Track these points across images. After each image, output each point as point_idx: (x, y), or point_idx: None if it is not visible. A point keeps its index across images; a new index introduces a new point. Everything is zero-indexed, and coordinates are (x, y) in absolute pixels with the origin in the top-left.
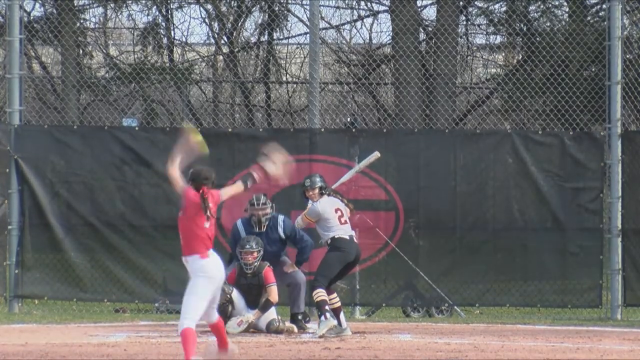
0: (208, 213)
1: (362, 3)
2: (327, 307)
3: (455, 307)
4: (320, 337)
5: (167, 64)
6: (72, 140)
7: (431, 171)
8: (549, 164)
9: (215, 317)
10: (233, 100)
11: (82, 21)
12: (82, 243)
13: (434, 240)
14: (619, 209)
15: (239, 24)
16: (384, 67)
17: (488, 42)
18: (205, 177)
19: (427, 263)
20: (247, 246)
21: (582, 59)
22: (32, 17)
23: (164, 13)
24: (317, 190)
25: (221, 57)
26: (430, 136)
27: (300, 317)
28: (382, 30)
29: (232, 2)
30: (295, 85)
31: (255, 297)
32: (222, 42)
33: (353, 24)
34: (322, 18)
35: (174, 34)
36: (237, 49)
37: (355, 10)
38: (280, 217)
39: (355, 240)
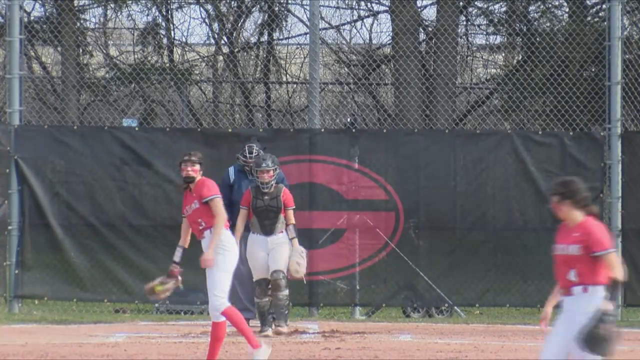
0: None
1: (362, 3)
2: None
3: (455, 307)
4: None
5: (167, 65)
6: (72, 141)
7: (431, 171)
8: (549, 164)
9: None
10: (233, 101)
11: (82, 21)
12: (82, 243)
13: (434, 240)
14: (619, 209)
15: (239, 24)
16: (384, 67)
17: (488, 43)
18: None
19: (427, 263)
20: (263, 164)
21: (582, 59)
22: (32, 18)
23: (164, 13)
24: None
25: (221, 58)
26: (430, 136)
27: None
28: (382, 30)
29: (232, 2)
30: (295, 86)
31: (272, 220)
32: (222, 42)
33: (353, 24)
34: (322, 18)
35: (174, 34)
36: (237, 49)
37: (355, 11)
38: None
39: None
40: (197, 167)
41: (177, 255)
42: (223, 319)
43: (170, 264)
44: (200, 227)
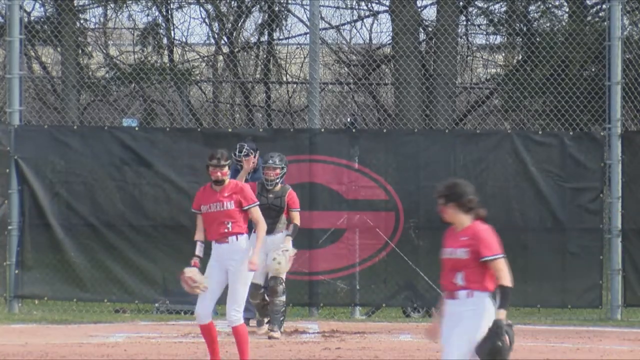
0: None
1: (362, 3)
2: None
3: None
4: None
5: (167, 64)
6: (72, 141)
7: (431, 171)
8: (549, 164)
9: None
10: (233, 101)
11: (82, 21)
12: (82, 243)
13: (434, 240)
14: (619, 209)
15: (239, 24)
16: (384, 67)
17: (488, 42)
18: (208, 158)
19: (427, 263)
20: (270, 161)
21: (582, 59)
22: (32, 18)
23: (164, 13)
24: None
25: (221, 58)
26: (430, 136)
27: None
28: (382, 30)
29: (232, 2)
30: (295, 86)
31: (273, 219)
32: (222, 42)
33: (353, 24)
34: (322, 18)
35: (174, 34)
36: (237, 49)
37: (355, 11)
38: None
39: None
40: (226, 169)
41: (200, 250)
42: (210, 319)
43: (192, 258)
44: (225, 230)
